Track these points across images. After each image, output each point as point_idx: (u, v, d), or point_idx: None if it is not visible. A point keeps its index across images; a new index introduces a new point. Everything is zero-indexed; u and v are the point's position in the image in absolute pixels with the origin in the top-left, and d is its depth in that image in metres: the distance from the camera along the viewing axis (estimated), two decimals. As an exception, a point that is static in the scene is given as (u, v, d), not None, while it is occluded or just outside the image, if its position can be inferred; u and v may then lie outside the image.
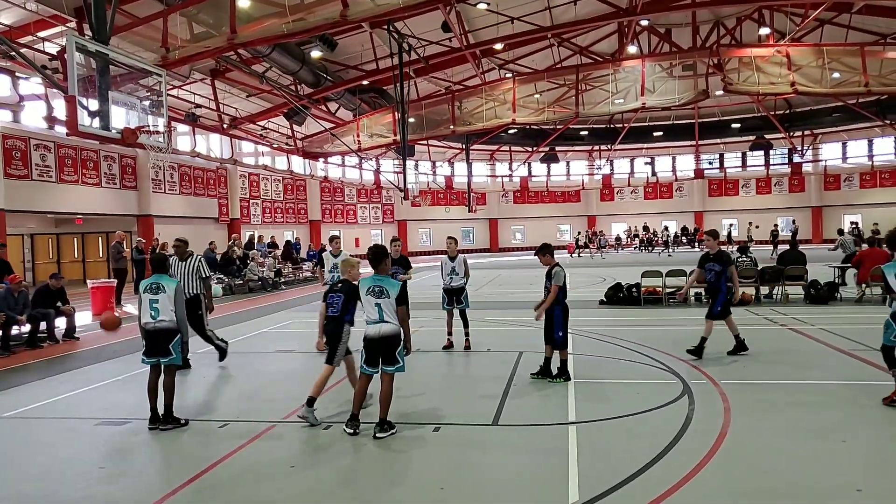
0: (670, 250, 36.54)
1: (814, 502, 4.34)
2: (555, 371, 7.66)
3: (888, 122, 35.37)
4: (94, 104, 9.50)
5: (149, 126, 10.59)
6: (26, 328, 11.23)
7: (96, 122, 9.49)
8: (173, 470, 5.38)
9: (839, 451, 5.23)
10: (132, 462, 5.51)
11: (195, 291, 9.00)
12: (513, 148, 44.59)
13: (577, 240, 38.71)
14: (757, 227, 37.17)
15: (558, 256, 8.01)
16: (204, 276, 9.15)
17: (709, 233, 9.11)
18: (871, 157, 41.76)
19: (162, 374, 6.33)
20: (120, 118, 10.12)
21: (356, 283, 6.26)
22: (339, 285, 6.45)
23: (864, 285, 13.79)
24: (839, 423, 5.90)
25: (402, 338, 5.88)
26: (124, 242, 17.77)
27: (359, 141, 29.57)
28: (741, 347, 8.79)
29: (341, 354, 6.43)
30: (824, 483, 4.61)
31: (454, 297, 9.82)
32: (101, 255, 26.64)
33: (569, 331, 7.82)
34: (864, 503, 4.30)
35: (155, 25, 15.83)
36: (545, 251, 7.85)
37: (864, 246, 18.56)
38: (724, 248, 9.62)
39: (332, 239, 10.64)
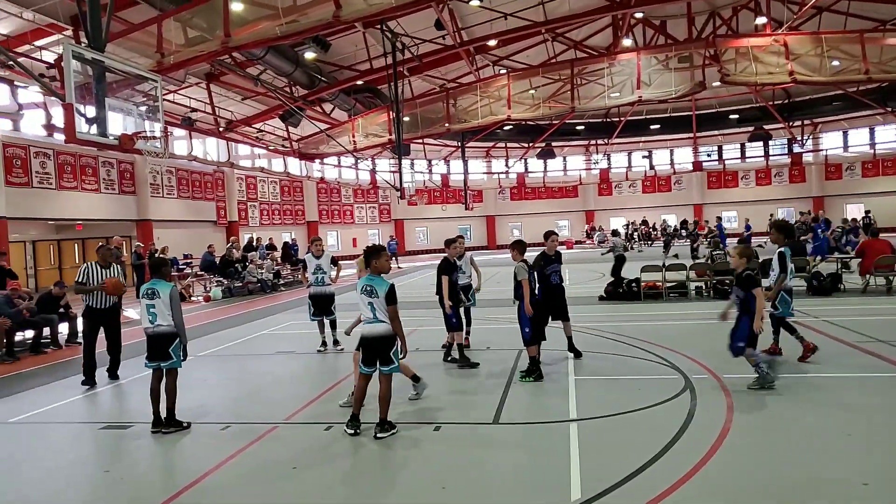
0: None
1: (819, 498, 4.29)
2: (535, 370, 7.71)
3: (889, 109, 34.94)
4: (91, 111, 9.53)
5: (146, 131, 10.62)
6: (30, 334, 11.35)
7: (94, 129, 9.51)
8: (176, 473, 5.43)
9: (844, 444, 5.18)
10: (136, 465, 5.56)
11: (115, 301, 8.91)
12: (508, 144, 44.43)
13: (629, 233, 38.52)
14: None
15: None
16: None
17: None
18: (872, 145, 41.26)
19: (164, 377, 6.37)
20: (117, 124, 10.14)
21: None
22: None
23: (868, 276, 13.76)
24: (844, 416, 5.85)
25: (397, 337, 5.92)
26: (122, 248, 17.79)
27: (354, 141, 29.55)
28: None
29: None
30: (829, 478, 4.56)
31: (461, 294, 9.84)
32: (100, 261, 26.63)
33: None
34: (871, 497, 4.25)
35: (150, 31, 15.82)
36: (514, 247, 7.97)
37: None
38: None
39: (314, 241, 10.70)
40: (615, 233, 22.01)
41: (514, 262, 7.86)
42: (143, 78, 10.84)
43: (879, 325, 10.01)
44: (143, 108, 10.88)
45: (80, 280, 8.65)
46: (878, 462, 4.83)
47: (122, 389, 8.47)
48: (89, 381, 8.54)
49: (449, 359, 8.87)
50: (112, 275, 8.73)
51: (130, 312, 15.53)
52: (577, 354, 8.69)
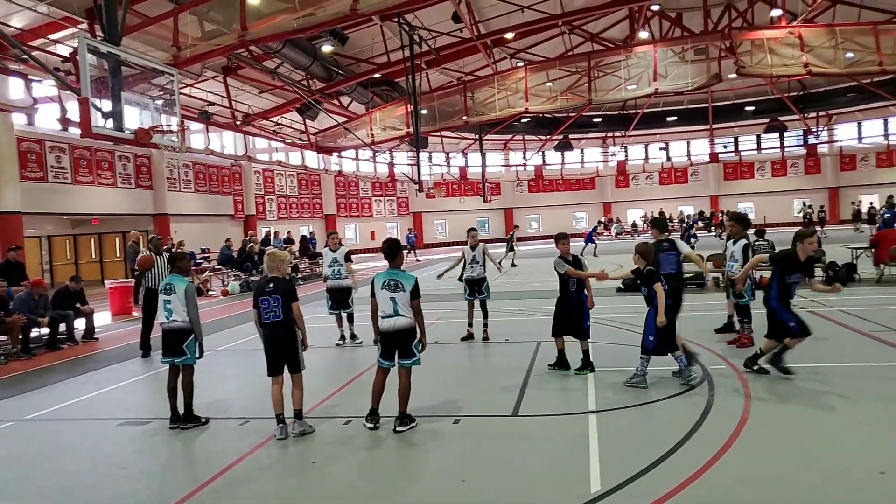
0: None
1: (835, 487, 4.29)
2: (579, 363, 7.56)
3: (903, 100, 34.80)
4: (107, 105, 9.52)
5: (162, 125, 10.61)
6: (46, 330, 11.36)
7: (110, 123, 9.51)
8: (195, 468, 5.42)
9: (860, 434, 5.18)
10: (154, 461, 5.55)
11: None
12: (526, 137, 44.32)
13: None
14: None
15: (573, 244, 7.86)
16: None
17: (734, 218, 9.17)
18: (886, 136, 41.37)
19: (180, 373, 6.36)
20: (133, 118, 10.14)
21: (288, 278, 6.01)
22: (271, 286, 5.83)
23: (882, 266, 13.67)
24: (859, 405, 5.84)
25: (418, 332, 5.86)
26: (140, 242, 17.91)
27: (372, 134, 29.55)
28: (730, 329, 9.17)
29: (303, 357, 5.98)
30: (846, 467, 4.56)
31: (475, 287, 9.81)
32: (118, 255, 26.88)
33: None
34: (887, 485, 4.25)
35: (166, 25, 15.84)
36: (564, 239, 7.68)
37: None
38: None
39: (331, 234, 10.66)
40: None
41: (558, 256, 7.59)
42: (159, 72, 10.83)
43: (894, 314, 9.98)
44: (160, 102, 10.87)
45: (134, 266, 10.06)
46: (894, 450, 4.83)
47: (139, 385, 8.51)
48: (146, 354, 10.06)
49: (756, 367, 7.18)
50: (162, 260, 10.13)
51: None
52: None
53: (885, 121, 40.95)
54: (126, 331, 13.13)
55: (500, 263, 10.40)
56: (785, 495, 4.23)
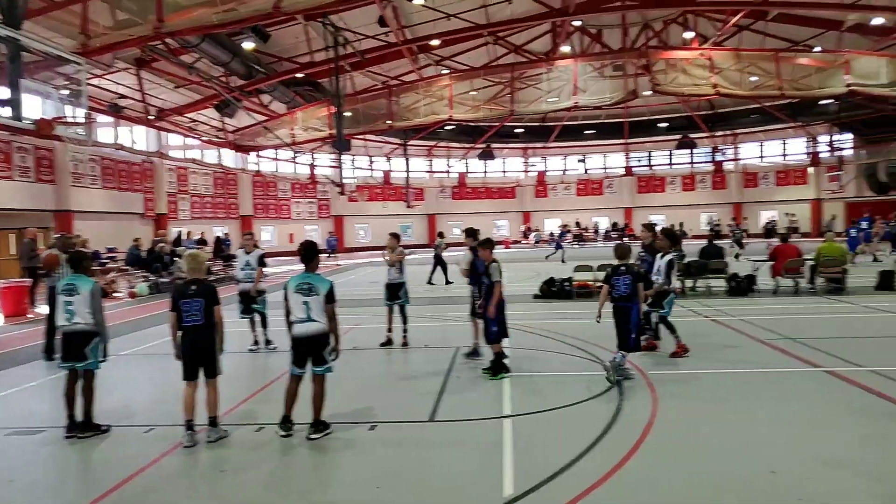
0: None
1: (732, 487, 4.54)
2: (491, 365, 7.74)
3: (799, 123, 37.91)
4: (4, 92, 8.94)
5: (66, 117, 10.04)
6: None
7: (7, 112, 8.94)
8: (93, 479, 5.13)
9: (755, 435, 5.52)
10: (47, 473, 5.22)
11: None
12: (450, 144, 44.77)
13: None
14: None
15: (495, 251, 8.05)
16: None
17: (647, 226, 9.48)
18: (784, 156, 44.54)
19: (79, 379, 6.00)
20: (35, 108, 9.56)
21: (209, 281, 5.92)
22: (193, 288, 5.75)
23: (778, 278, 14.64)
24: (757, 409, 6.21)
25: (332, 338, 5.76)
26: (37, 239, 16.82)
27: (293, 134, 29.05)
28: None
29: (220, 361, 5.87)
30: (742, 468, 4.83)
31: (394, 292, 9.79)
32: (12, 253, 25.10)
33: (507, 325, 7.89)
34: (777, 485, 4.54)
35: (73, 10, 15.02)
36: (488, 246, 7.89)
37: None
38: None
39: (245, 235, 10.31)
40: (441, 234, 22.57)
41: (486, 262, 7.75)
42: (64, 60, 10.27)
43: (787, 323, 10.82)
44: (65, 93, 10.31)
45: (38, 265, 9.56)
46: (785, 452, 5.16)
47: (32, 392, 7.95)
48: (50, 357, 9.18)
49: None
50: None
51: (43, 309, 14.68)
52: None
53: (784, 142, 44.15)
54: (20, 333, 12.28)
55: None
56: (684, 496, 4.44)
